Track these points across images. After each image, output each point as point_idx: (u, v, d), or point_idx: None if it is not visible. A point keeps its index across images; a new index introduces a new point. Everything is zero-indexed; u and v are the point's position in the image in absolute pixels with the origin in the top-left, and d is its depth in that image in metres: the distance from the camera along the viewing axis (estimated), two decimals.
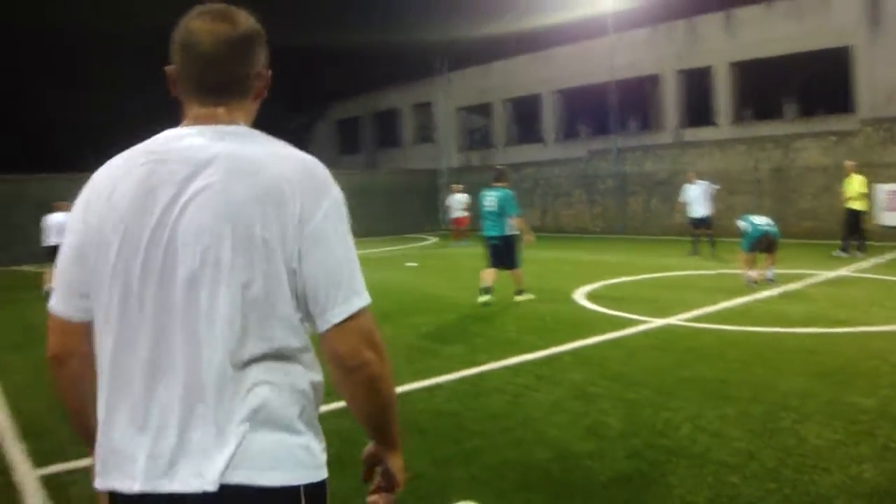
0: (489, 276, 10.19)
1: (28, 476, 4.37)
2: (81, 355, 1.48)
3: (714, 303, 9.44)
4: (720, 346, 6.99)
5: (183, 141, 1.44)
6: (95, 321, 1.45)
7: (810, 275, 11.86)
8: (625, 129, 27.36)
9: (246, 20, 1.52)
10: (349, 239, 1.47)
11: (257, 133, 1.51)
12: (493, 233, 10.32)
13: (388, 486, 1.66)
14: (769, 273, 10.96)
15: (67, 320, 1.48)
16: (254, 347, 1.38)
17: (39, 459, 4.60)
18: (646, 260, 15.31)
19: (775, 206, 19.72)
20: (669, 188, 22.23)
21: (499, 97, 32.12)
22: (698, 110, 24.56)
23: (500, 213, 10.24)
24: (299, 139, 45.44)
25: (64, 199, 13.23)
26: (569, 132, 30.17)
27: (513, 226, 10.30)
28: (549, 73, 29.31)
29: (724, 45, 23.20)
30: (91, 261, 1.43)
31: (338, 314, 1.43)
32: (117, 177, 1.45)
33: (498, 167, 11.49)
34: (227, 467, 1.34)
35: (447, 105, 34.25)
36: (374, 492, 1.68)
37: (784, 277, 11.28)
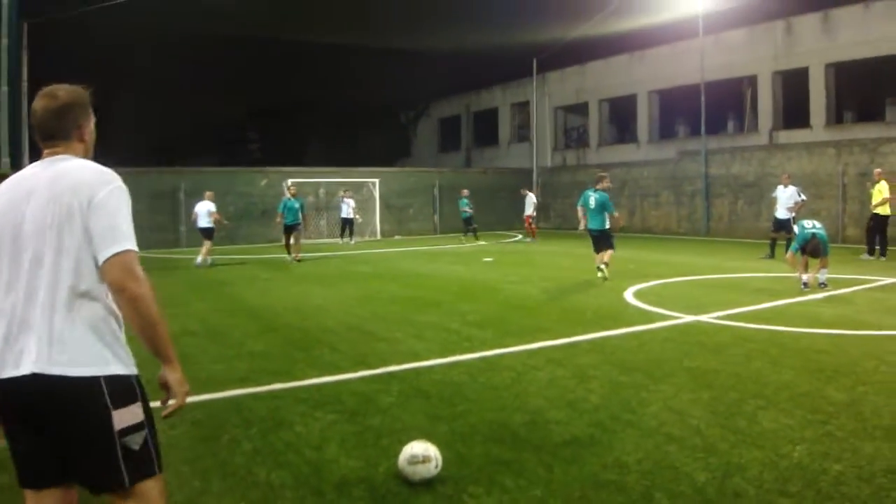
0: (599, 258, 12.75)
1: None
2: None
3: (754, 303, 9.79)
4: (732, 342, 7.44)
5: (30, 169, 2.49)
6: None
7: (869, 280, 11.89)
8: (718, 130, 27.13)
9: (65, 94, 2.50)
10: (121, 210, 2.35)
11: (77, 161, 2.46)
12: (595, 226, 12.86)
13: (170, 395, 2.40)
14: (821, 276, 11.10)
15: None
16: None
17: None
18: (713, 261, 15.53)
19: (860, 210, 19.30)
20: (756, 191, 22.06)
21: (595, 97, 32.34)
22: (793, 112, 24.15)
23: (601, 211, 12.74)
24: (405, 136, 47.03)
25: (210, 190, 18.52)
26: (663, 133, 30.12)
27: (607, 220, 12.83)
28: (645, 73, 29.35)
29: (821, 45, 22.73)
30: None
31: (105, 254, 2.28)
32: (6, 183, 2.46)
33: (601, 173, 13.82)
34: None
35: (544, 104, 34.70)
36: (164, 402, 2.40)
37: (842, 282, 11.40)
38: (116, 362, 2.29)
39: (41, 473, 2.32)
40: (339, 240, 24.95)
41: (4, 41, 15.35)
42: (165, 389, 2.42)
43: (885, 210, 15.70)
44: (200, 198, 18.28)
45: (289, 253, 18.12)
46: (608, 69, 31.50)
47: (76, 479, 2.33)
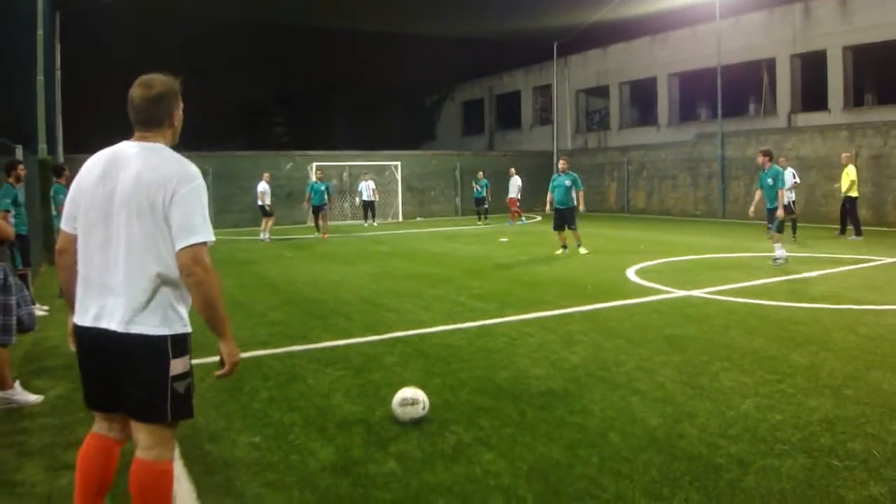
0: (562, 237, 14.45)
1: None
2: (71, 251, 2.89)
3: (749, 280, 10.31)
4: (716, 314, 8.00)
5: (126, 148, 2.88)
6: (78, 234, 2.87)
7: (868, 260, 12.32)
8: (738, 112, 27.33)
9: (162, 83, 2.86)
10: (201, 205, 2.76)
11: (165, 151, 2.85)
12: (565, 203, 14.28)
13: (223, 364, 2.85)
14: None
15: (68, 232, 2.89)
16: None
17: None
18: (722, 242, 15.99)
19: (874, 192, 19.56)
20: None
21: (616, 80, 32.59)
22: (811, 95, 24.30)
23: (570, 189, 14.27)
24: (430, 118, 47.57)
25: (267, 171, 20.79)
26: (683, 115, 30.35)
27: (575, 198, 14.32)
28: (666, 56, 29.57)
29: (839, 28, 22.85)
30: (77, 204, 2.85)
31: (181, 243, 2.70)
32: (92, 163, 2.87)
33: (562, 158, 15.81)
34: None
35: (566, 87, 35.01)
36: (219, 368, 2.87)
37: (840, 261, 11.87)
38: (180, 323, 2.79)
39: (100, 400, 2.90)
40: (362, 222, 25.71)
41: (39, 32, 16.09)
42: (221, 358, 2.85)
43: (854, 192, 16.47)
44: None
45: (318, 230, 20.28)
46: (629, 52, 31.75)
47: (125, 409, 2.83)
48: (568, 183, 14.27)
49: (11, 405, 5.19)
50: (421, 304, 9.03)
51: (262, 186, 19.81)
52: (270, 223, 19.75)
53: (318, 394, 5.30)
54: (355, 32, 36.16)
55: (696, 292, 9.41)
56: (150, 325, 2.72)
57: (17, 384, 5.33)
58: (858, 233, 16.38)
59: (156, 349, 2.73)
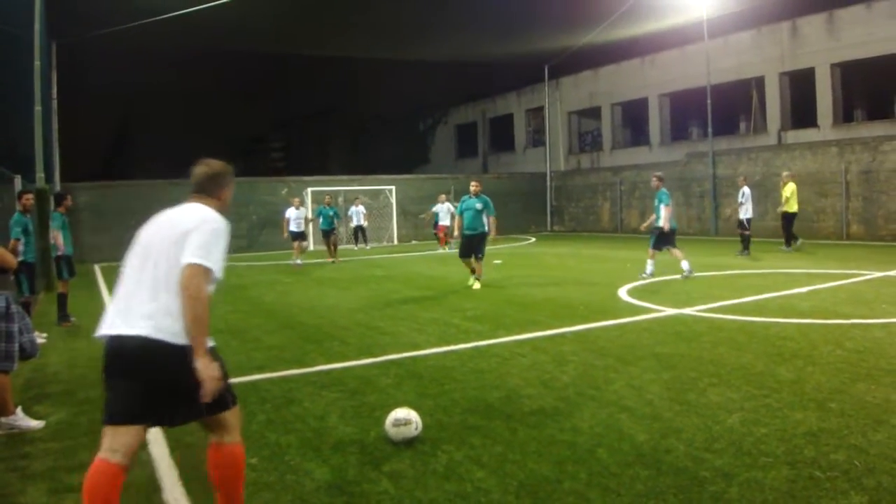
0: (471, 265, 13.01)
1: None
2: None
3: (740, 297, 10.44)
4: (706, 331, 8.12)
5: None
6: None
7: (857, 274, 12.49)
8: (729, 131, 27.62)
9: (216, 166, 3.62)
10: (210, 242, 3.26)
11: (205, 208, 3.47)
12: (477, 228, 12.96)
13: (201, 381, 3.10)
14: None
15: None
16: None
17: None
18: (714, 260, 16.14)
19: (864, 207, 19.78)
20: (762, 191, 22.54)
21: (607, 101, 32.94)
22: (801, 112, 24.61)
23: (481, 213, 12.96)
24: (424, 142, 47.92)
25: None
26: (675, 135, 30.66)
27: (486, 223, 13.01)
28: (656, 76, 29.94)
29: (826, 45, 23.22)
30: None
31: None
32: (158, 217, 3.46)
33: (474, 180, 14.14)
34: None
35: (557, 109, 35.37)
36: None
37: (830, 276, 12.03)
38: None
39: (123, 407, 3.15)
40: (353, 246, 25.31)
41: (37, 63, 16.32)
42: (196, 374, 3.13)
43: (792, 207, 17.59)
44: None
45: (330, 255, 20.51)
46: (620, 73, 32.14)
47: (156, 418, 3.27)
48: (479, 206, 12.95)
49: (13, 430, 5.29)
50: (415, 326, 9.15)
51: (294, 213, 19.94)
52: (302, 247, 20.05)
53: (313, 416, 5.40)
54: (350, 59, 36.54)
55: (686, 310, 9.54)
56: (175, 336, 3.15)
57: (18, 410, 5.43)
58: (788, 244, 17.78)
59: (182, 357, 3.13)
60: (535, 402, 5.58)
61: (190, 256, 3.15)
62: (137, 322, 3.12)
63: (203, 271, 3.15)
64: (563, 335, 8.23)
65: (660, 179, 13.75)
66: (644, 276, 13.21)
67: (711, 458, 4.32)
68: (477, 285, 12.69)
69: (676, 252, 13.28)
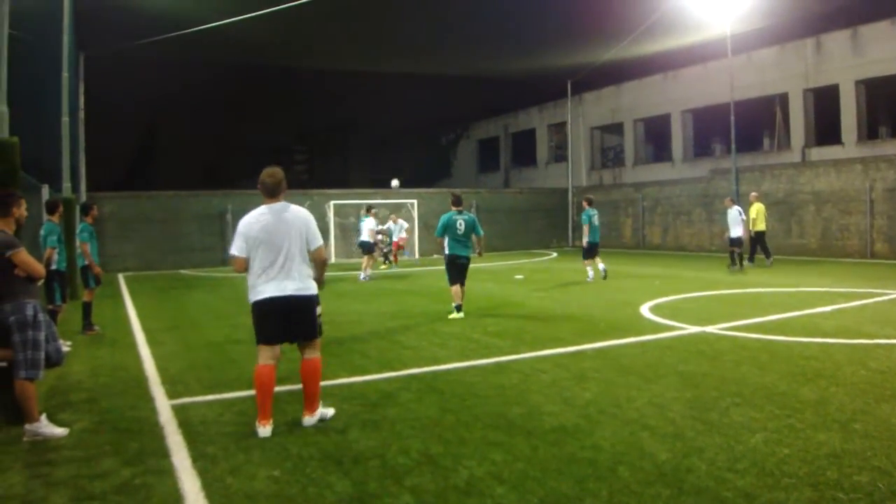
0: (458, 292, 11.36)
1: (164, 405, 6.41)
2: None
3: (763, 315, 10.36)
4: (729, 350, 8.07)
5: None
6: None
7: (882, 293, 12.33)
8: (753, 148, 27.46)
9: (279, 173, 5.65)
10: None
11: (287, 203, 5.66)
12: (466, 252, 11.47)
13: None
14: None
15: (243, 258, 5.52)
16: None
17: (173, 395, 6.69)
18: (737, 278, 16.04)
19: (889, 226, 19.55)
20: (786, 208, 22.38)
21: (630, 117, 32.89)
22: (825, 129, 24.43)
23: (469, 235, 11.41)
24: (446, 156, 48.09)
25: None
26: (698, 151, 30.51)
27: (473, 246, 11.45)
28: (679, 92, 29.85)
29: (850, 62, 23.06)
30: (251, 241, 5.50)
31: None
32: (257, 215, 5.56)
33: (456, 194, 12.07)
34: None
35: (580, 125, 35.35)
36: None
37: (855, 295, 11.88)
38: (316, 289, 5.63)
39: (278, 334, 5.48)
40: (389, 263, 23.82)
41: (65, 74, 16.64)
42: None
43: (758, 227, 18.95)
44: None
45: (386, 260, 22.60)
46: (642, 89, 32.09)
47: (293, 337, 5.56)
48: (468, 225, 11.42)
49: (38, 437, 5.37)
50: (437, 341, 9.17)
51: (368, 223, 19.28)
52: (372, 262, 19.27)
53: (334, 429, 5.43)
54: (374, 73, 36.84)
55: (709, 328, 9.48)
56: (310, 290, 5.55)
57: (43, 417, 5.51)
58: (751, 259, 19.02)
59: (312, 302, 5.60)
60: (556, 418, 5.58)
61: (315, 242, 5.55)
62: (289, 285, 5.39)
63: (323, 247, 5.61)
64: (584, 352, 8.21)
65: (589, 202, 17.60)
66: (589, 280, 16.29)
67: (733, 478, 4.29)
68: (461, 315, 11.17)
69: (597, 263, 16.51)
